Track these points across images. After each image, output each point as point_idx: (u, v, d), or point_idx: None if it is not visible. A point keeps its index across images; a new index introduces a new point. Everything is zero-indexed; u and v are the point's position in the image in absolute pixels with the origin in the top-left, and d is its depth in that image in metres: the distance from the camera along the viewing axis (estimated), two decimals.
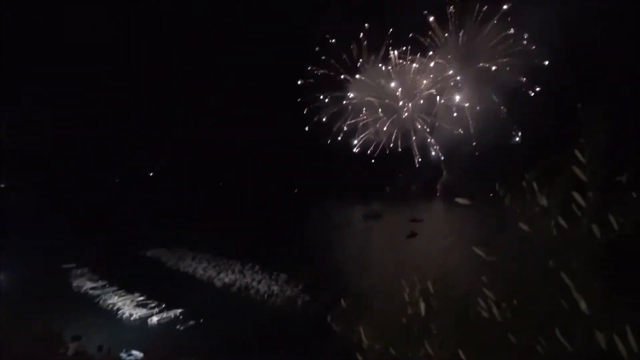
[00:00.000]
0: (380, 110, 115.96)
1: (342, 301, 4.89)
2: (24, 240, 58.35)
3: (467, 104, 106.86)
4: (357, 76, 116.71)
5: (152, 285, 44.56)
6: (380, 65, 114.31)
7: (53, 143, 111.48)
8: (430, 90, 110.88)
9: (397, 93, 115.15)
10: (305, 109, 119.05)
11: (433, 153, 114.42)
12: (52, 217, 75.26)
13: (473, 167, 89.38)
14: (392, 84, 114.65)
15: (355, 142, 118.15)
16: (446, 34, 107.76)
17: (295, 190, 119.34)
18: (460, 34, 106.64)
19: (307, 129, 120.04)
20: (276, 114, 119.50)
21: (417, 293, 4.16)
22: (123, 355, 28.23)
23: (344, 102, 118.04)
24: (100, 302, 42.05)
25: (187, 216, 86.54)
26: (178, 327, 36.02)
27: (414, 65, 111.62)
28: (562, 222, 3.43)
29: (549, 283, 3.37)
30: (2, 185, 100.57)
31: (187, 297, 41.45)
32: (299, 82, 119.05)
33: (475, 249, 3.71)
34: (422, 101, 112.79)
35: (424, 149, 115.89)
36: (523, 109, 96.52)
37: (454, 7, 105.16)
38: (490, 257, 3.66)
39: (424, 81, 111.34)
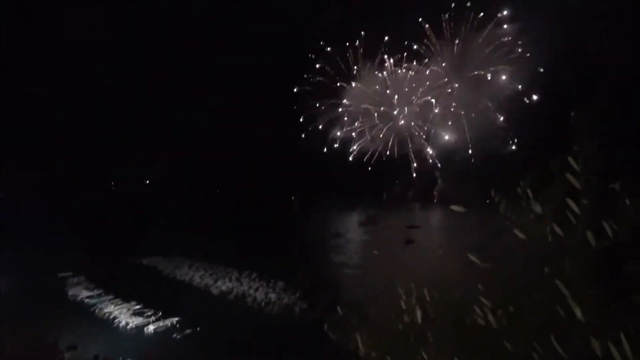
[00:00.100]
0: (376, 117, 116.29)
1: (339, 309, 4.89)
2: (19, 248, 57.95)
3: (463, 112, 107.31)
4: (353, 83, 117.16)
5: (149, 293, 44.33)
6: (376, 72, 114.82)
7: (45, 148, 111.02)
8: (426, 98, 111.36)
9: (393, 100, 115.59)
10: (302, 116, 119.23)
11: (429, 160, 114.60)
12: (46, 225, 74.86)
13: (469, 174, 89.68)
14: (388, 91, 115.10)
15: (352, 149, 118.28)
16: (441, 42, 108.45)
17: (292, 198, 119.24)
18: (456, 42, 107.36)
19: (303, 136, 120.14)
20: (272, 121, 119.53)
21: (414, 300, 4.16)
22: None
23: (340, 109, 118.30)
24: (96, 310, 41.75)
25: (184, 224, 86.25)
26: (175, 335, 35.79)
27: (410, 72, 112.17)
28: (557, 229, 3.45)
29: (544, 290, 3.39)
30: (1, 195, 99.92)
31: (184, 305, 41.24)
32: (295, 90, 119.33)
33: (470, 256, 3.73)
34: (418, 108, 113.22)
35: (420, 156, 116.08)
36: (518, 116, 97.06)
37: (449, 15, 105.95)
38: (485, 264, 3.68)
39: (420, 88, 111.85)
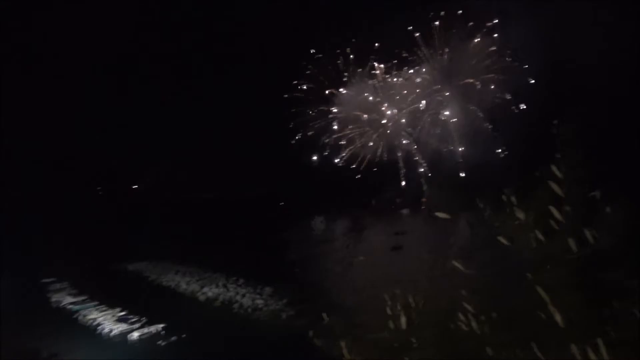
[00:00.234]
0: (366, 124, 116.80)
1: (324, 316, 4.88)
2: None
3: (452, 120, 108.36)
4: (344, 90, 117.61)
5: (134, 299, 43.71)
6: (366, 79, 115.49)
7: (30, 151, 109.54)
8: (416, 105, 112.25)
9: (383, 107, 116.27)
10: (291, 123, 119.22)
11: (418, 167, 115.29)
12: (28, 230, 73.57)
13: (457, 181, 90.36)
14: (378, 98, 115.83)
15: (341, 156, 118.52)
16: (431, 50, 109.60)
17: (281, 204, 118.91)
18: (445, 50, 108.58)
19: (292, 142, 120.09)
20: (261, 127, 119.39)
21: (399, 307, 4.17)
22: None
23: (330, 116, 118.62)
24: (80, 317, 41.08)
25: (170, 229, 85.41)
26: (160, 342, 35.32)
27: (400, 79, 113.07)
28: (540, 236, 3.50)
29: (526, 296, 3.43)
30: None
31: (170, 311, 40.75)
32: (285, 96, 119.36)
33: (454, 263, 3.76)
34: (407, 116, 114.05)
35: (409, 163, 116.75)
36: (506, 125, 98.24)
37: (438, 23, 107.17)
38: (469, 271, 3.71)
39: (410, 96, 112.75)
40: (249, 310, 42.43)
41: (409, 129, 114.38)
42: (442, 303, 4.10)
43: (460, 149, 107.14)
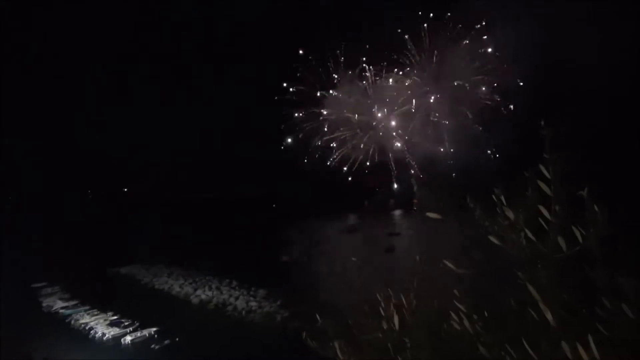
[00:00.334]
0: (357, 126, 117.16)
1: (317, 316, 4.89)
2: None
3: (442, 121, 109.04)
4: (334, 92, 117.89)
5: (126, 303, 43.46)
6: (357, 81, 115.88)
7: (22, 154, 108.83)
8: (407, 107, 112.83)
9: (374, 109, 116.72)
10: (283, 125, 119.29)
11: (409, 169, 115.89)
12: (20, 234, 72.86)
13: (448, 182, 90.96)
14: (369, 101, 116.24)
15: (332, 158, 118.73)
16: (421, 52, 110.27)
17: (274, 206, 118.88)
18: (435, 52, 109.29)
19: (284, 144, 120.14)
20: (254, 129, 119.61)
21: (392, 307, 4.19)
22: None
23: (321, 118, 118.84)
24: (72, 321, 40.72)
25: (163, 232, 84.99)
26: (153, 346, 35.11)
27: (390, 82, 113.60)
28: (530, 235, 3.54)
29: (517, 295, 3.47)
30: None
31: (163, 315, 40.52)
32: (276, 98, 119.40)
33: (446, 262, 3.79)
34: (398, 117, 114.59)
35: (401, 164, 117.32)
36: (496, 125, 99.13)
37: (427, 26, 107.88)
38: (461, 271, 3.75)
39: (400, 98, 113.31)
40: (243, 312, 42.35)
41: (400, 131, 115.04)
42: (434, 303, 4.12)
43: (450, 150, 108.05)
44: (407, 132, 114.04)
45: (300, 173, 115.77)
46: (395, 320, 3.97)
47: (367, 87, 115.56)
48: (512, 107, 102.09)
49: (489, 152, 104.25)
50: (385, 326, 4.08)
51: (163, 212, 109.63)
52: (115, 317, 40.50)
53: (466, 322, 3.57)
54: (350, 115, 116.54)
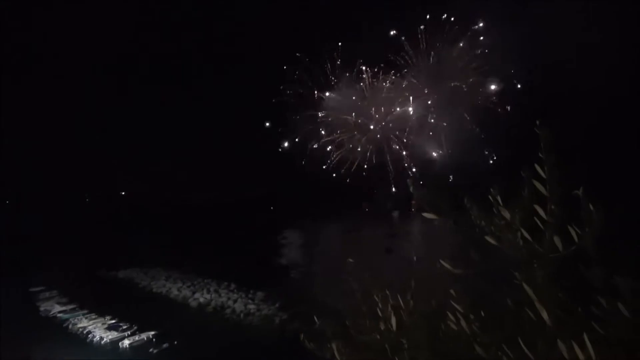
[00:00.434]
0: (354, 127, 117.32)
1: (315, 318, 4.89)
2: None
3: (440, 122, 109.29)
4: (331, 94, 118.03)
5: (124, 307, 43.31)
6: (354, 83, 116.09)
7: (20, 157, 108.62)
8: (404, 108, 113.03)
9: (371, 111, 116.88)
10: (280, 127, 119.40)
11: (407, 169, 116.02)
12: (17, 238, 72.58)
13: (445, 183, 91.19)
14: (366, 102, 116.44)
15: (330, 159, 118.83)
16: (418, 53, 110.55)
17: (272, 208, 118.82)
18: (432, 53, 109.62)
19: (282, 147, 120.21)
20: (251, 132, 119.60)
21: (390, 308, 4.20)
22: None
23: (318, 120, 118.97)
24: (70, 325, 40.54)
25: (162, 234, 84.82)
26: (151, 350, 35.01)
27: (387, 83, 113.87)
28: (526, 235, 3.55)
29: (514, 294, 3.48)
30: None
31: (161, 318, 40.41)
32: (273, 100, 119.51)
33: (443, 263, 3.79)
34: (395, 119, 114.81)
35: (398, 165, 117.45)
36: (493, 126, 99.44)
37: (424, 27, 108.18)
38: (458, 271, 3.75)
39: (398, 99, 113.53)
40: (242, 315, 42.28)
41: (397, 132, 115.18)
42: (431, 303, 4.13)
43: (448, 151, 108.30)
44: (404, 134, 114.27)
45: (300, 174, 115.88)
46: (393, 321, 3.98)
47: (365, 88, 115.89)
48: (508, 108, 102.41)
49: (485, 152, 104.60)
50: (382, 327, 4.09)
51: (162, 214, 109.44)
52: (113, 321, 40.35)
53: (463, 323, 3.58)
54: (347, 117, 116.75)
